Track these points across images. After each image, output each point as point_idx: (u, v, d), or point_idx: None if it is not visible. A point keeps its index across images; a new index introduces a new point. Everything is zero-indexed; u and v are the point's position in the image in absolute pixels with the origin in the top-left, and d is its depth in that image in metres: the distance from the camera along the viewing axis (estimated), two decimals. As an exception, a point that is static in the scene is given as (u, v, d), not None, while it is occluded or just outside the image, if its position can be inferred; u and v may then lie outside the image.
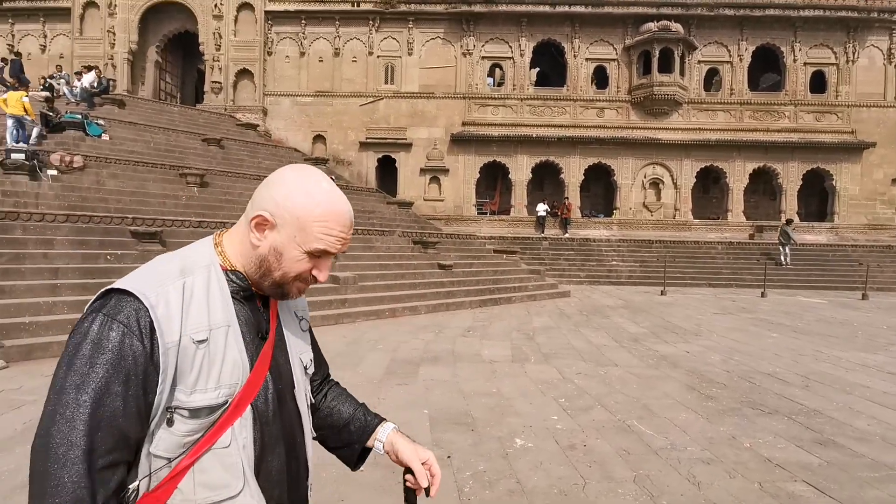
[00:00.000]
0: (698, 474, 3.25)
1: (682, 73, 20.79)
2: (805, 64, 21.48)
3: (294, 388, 0.98)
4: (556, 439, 3.80)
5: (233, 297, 0.89)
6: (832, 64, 21.50)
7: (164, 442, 0.80)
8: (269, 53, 21.40)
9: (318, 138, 21.73)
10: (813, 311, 11.34)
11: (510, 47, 21.50)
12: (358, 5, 21.21)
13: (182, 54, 23.72)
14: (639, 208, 21.64)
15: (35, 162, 9.44)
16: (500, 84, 22.65)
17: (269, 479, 0.90)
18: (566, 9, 20.87)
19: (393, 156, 21.62)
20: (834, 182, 21.30)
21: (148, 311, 0.77)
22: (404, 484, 1.03)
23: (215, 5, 20.87)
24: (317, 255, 0.89)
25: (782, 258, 18.06)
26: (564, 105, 21.65)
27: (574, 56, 21.50)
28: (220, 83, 20.91)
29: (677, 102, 21.07)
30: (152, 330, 0.77)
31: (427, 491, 1.02)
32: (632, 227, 21.10)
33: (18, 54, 17.16)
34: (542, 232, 20.28)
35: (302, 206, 0.87)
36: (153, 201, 10.12)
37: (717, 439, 3.84)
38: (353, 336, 7.47)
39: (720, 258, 18.95)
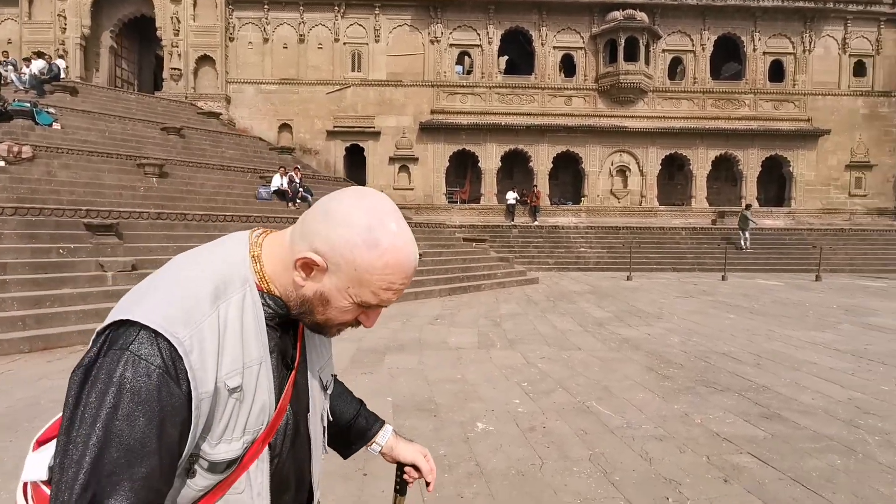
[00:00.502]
0: (651, 451, 3.36)
1: (647, 62, 21.11)
2: (764, 53, 22.09)
3: (309, 412, 0.87)
4: (517, 422, 3.87)
5: (267, 322, 0.76)
6: (790, 53, 22.16)
7: (175, 492, 0.71)
8: (231, 39, 20.78)
9: (284, 127, 21.29)
10: (769, 293, 11.78)
11: (478, 35, 21.42)
12: (322, -10, 20.76)
13: (139, 39, 22.80)
14: (606, 195, 22.01)
15: (-21, 152, 8.98)
16: (468, 72, 22.58)
17: None
18: (534, -4, 20.91)
19: (361, 144, 21.37)
20: (791, 168, 22.07)
21: (182, 359, 0.66)
22: (399, 477, 1.10)
23: (173, -12, 20.11)
24: (366, 306, 0.78)
25: (742, 242, 18.68)
26: (533, 93, 21.74)
27: (542, 44, 21.57)
28: (179, 70, 20.21)
29: (643, 91, 21.41)
30: (187, 378, 0.67)
31: (427, 484, 1.09)
32: (599, 214, 21.45)
33: (-40, 38, 16.21)
34: (512, 220, 20.43)
35: (363, 258, 0.72)
36: (109, 193, 9.76)
37: (671, 417, 3.97)
38: (320, 327, 7.39)
39: (684, 243, 19.47)
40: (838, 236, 20.09)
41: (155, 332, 0.65)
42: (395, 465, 1.12)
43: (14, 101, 12.15)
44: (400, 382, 4.85)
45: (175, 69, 20.25)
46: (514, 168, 22.66)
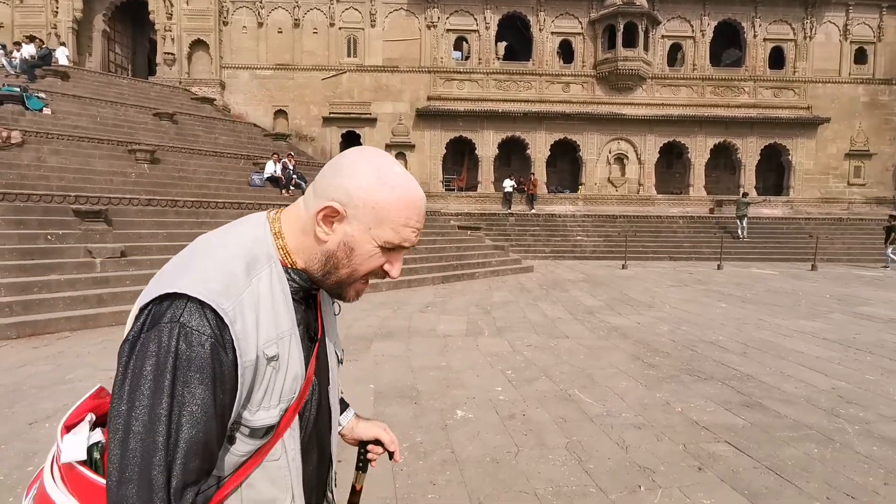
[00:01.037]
0: (628, 439, 3.36)
1: (646, 48, 20.88)
2: (765, 40, 21.84)
3: (329, 384, 0.93)
4: (496, 410, 3.86)
5: (292, 295, 0.81)
6: (790, 40, 21.91)
7: (220, 460, 0.75)
8: (225, 23, 20.51)
9: (280, 113, 21.11)
10: (763, 282, 11.76)
11: (475, 20, 21.15)
12: (318, -27, 20.46)
13: (132, 23, 22.51)
14: (604, 183, 21.91)
15: (-33, 137, 8.90)
16: (467, 58, 22.33)
17: (307, 486, 0.87)
18: (532, -20, 20.61)
19: (357, 131, 21.21)
20: (790, 157, 21.94)
21: (228, 328, 0.70)
22: (361, 456, 1.12)
23: (165, -29, 19.81)
24: (389, 249, 0.81)
25: (739, 231, 18.64)
26: (530, 80, 21.53)
27: (540, 30, 21.32)
28: (173, 55, 19.98)
29: (641, 78, 21.20)
30: (233, 348, 0.70)
31: (391, 455, 1.11)
32: (597, 203, 21.37)
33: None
34: (509, 208, 20.35)
35: (378, 195, 0.78)
36: (99, 179, 9.68)
37: (652, 405, 3.97)
38: (309, 314, 7.38)
39: (681, 232, 19.42)
40: (836, 226, 20.05)
41: (201, 302, 0.69)
42: (358, 445, 1.13)
43: (4, 85, 12.04)
44: (384, 370, 4.84)
45: (168, 54, 20.02)
46: (512, 155, 22.53)
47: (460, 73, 21.37)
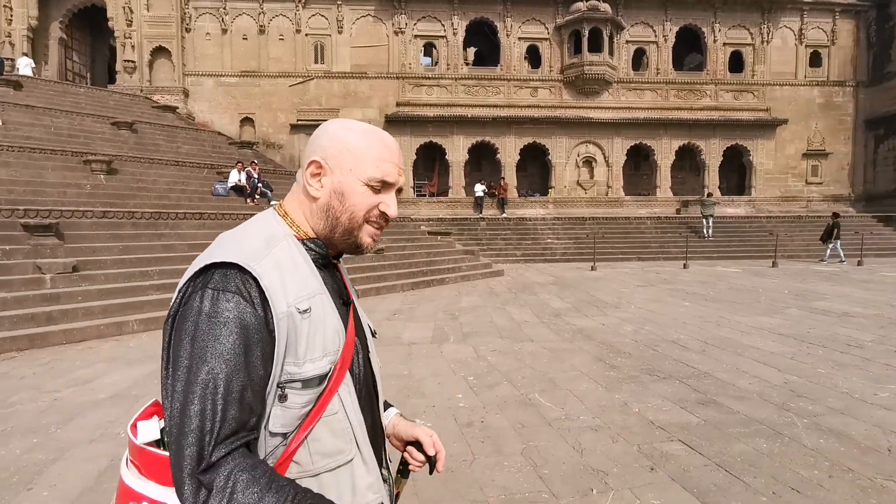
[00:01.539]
0: (584, 442, 3.35)
1: (611, 53, 21.28)
2: (724, 44, 22.50)
3: (369, 352, 0.98)
4: (455, 417, 3.82)
5: (315, 264, 0.87)
6: (749, 44, 22.63)
7: (279, 419, 0.79)
8: (188, 30, 20.12)
9: (247, 121, 20.78)
10: (726, 280, 12.04)
11: (443, 26, 21.24)
12: (282, -21, 20.27)
13: (90, 30, 21.91)
14: (573, 186, 22.18)
15: None
16: (436, 63, 22.39)
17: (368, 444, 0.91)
18: (497, -13, 20.81)
19: (327, 138, 20.96)
20: (751, 157, 22.61)
21: (257, 281, 0.76)
22: (402, 460, 1.08)
23: (124, -23, 19.33)
24: (378, 189, 0.88)
25: (705, 231, 19.09)
26: (499, 85, 21.71)
27: (507, 35, 21.53)
28: (133, 62, 19.48)
29: (607, 82, 21.59)
30: (264, 300, 0.76)
31: (432, 464, 1.04)
32: (567, 206, 21.62)
33: None
34: (480, 212, 20.42)
35: (348, 138, 0.87)
36: (52, 191, 9.33)
37: (610, 407, 3.98)
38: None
39: (649, 233, 19.78)
40: (796, 223, 20.70)
41: (228, 265, 0.76)
42: (402, 449, 1.10)
43: (-51, 95, 11.54)
44: (344, 380, 4.75)
45: (129, 61, 19.52)
46: (483, 160, 22.64)
47: (429, 78, 21.41)
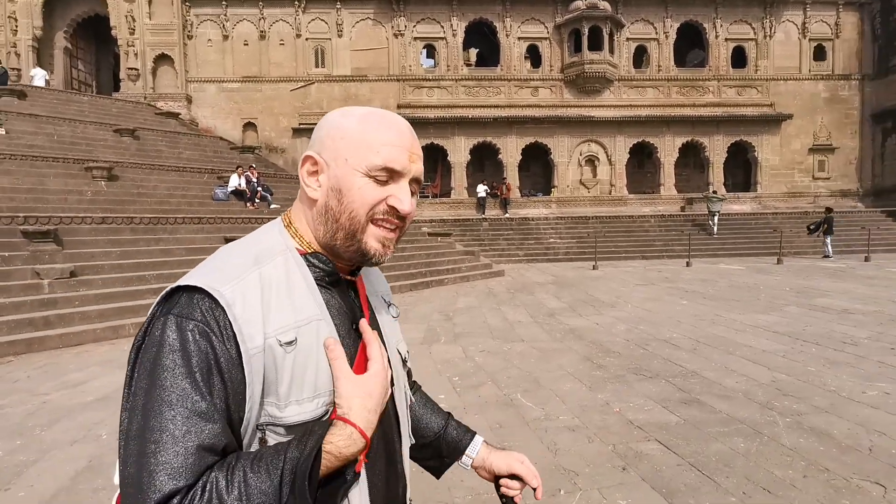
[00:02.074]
0: (559, 442, 3.34)
1: (611, 51, 21.19)
2: (726, 40, 22.33)
3: (393, 385, 0.82)
4: (435, 418, 3.81)
5: (318, 284, 0.74)
6: (751, 39, 22.42)
7: None
8: (190, 37, 20.32)
9: (249, 126, 20.95)
10: (728, 278, 11.93)
11: (442, 27, 21.27)
12: (282, -16, 20.42)
13: (95, 39, 22.20)
14: (576, 185, 22.09)
15: None
16: (437, 65, 22.42)
17: (377, 500, 0.77)
18: (496, -13, 20.82)
19: (328, 141, 21.07)
20: (756, 153, 22.40)
21: (224, 311, 0.65)
22: (501, 498, 0.97)
23: (126, -14, 19.58)
24: (383, 180, 0.73)
25: (713, 227, 19.06)
26: (499, 85, 21.70)
27: (506, 35, 21.51)
28: (136, 70, 19.72)
29: (608, 80, 21.49)
30: (233, 332, 0.64)
31: (534, 490, 0.96)
32: (570, 205, 21.54)
33: None
34: (483, 213, 20.41)
35: (343, 125, 0.74)
36: (53, 198, 9.48)
37: (591, 407, 3.96)
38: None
39: (653, 231, 19.65)
40: (803, 219, 20.41)
41: (195, 290, 0.65)
42: (493, 481, 0.99)
43: (-46, 106, 11.75)
44: (330, 382, 4.77)
45: (132, 69, 19.75)
46: (485, 161, 22.62)
47: (429, 80, 21.45)
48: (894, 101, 21.60)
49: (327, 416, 0.69)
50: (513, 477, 0.96)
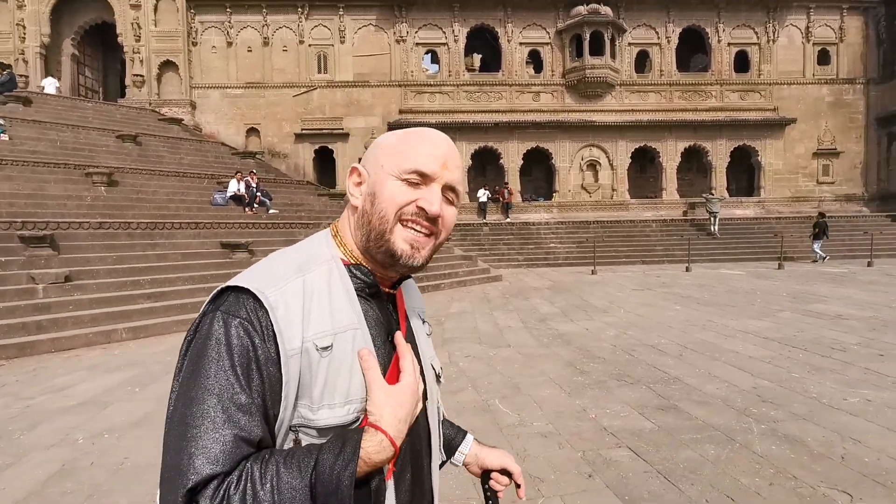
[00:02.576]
0: (530, 448, 3.34)
1: (613, 56, 21.17)
2: (729, 44, 22.24)
3: (427, 399, 0.85)
4: (410, 424, 3.82)
5: (358, 295, 0.78)
6: (754, 44, 22.33)
7: None
8: (195, 44, 20.55)
9: (252, 131, 21.11)
10: (726, 283, 11.85)
11: (444, 33, 21.36)
12: (285, -8, 20.60)
13: (102, 46, 22.50)
14: (577, 190, 22.05)
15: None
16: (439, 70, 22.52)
17: None
18: (497, -7, 20.90)
19: (330, 146, 21.24)
20: (759, 158, 22.25)
21: (268, 313, 0.69)
22: (486, 490, 1.03)
23: (132, -6, 19.86)
24: (415, 182, 0.77)
25: (713, 228, 19.05)
26: (501, 90, 21.73)
27: (508, 41, 21.57)
28: (142, 76, 19.96)
29: (610, 85, 21.47)
30: (274, 333, 0.69)
31: (517, 488, 1.02)
32: (571, 209, 21.49)
33: None
34: (484, 218, 20.41)
35: (387, 139, 0.81)
36: (52, 203, 9.58)
37: (567, 413, 3.95)
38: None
39: (654, 236, 19.56)
40: (806, 224, 20.20)
41: (242, 290, 0.70)
42: (481, 476, 1.05)
43: (-40, 112, 11.95)
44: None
45: (137, 76, 20.00)
46: (487, 165, 22.63)
47: (431, 85, 21.53)
48: (900, 105, 21.40)
49: (357, 423, 0.72)
50: (501, 472, 1.03)
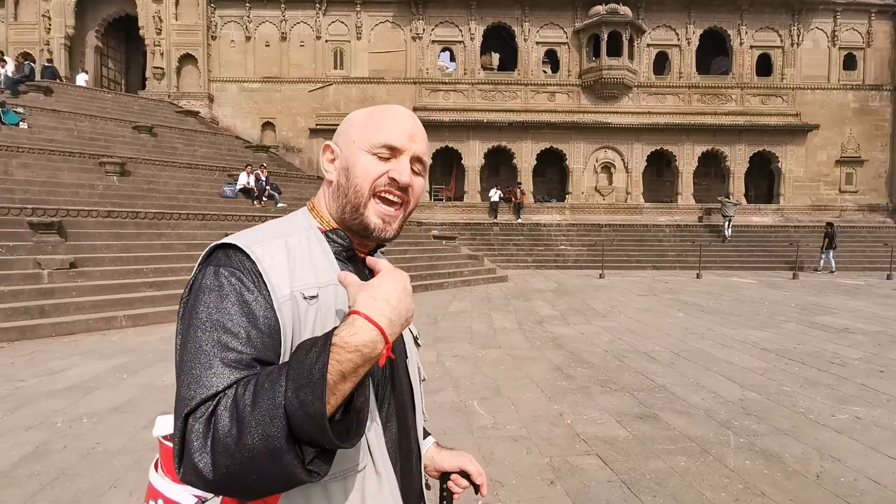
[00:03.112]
0: (497, 451, 3.30)
1: (630, 57, 20.87)
2: (751, 47, 21.75)
3: (406, 357, 0.91)
4: (384, 422, 3.81)
5: (337, 258, 0.83)
6: (777, 47, 21.80)
7: None
8: (214, 38, 20.82)
9: (268, 125, 21.32)
10: (735, 291, 11.60)
11: (460, 31, 21.29)
12: (304, -13, 20.75)
13: (125, 39, 22.95)
14: (591, 192, 21.80)
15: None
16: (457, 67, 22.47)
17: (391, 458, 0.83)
18: (515, -9, 20.76)
19: (344, 142, 21.29)
20: (779, 164, 21.73)
21: (255, 264, 0.73)
22: (444, 492, 1.04)
23: (155, -12, 20.19)
24: (386, 157, 0.82)
25: (726, 231, 18.76)
26: (516, 89, 21.59)
27: (525, 40, 21.41)
28: (162, 69, 20.30)
29: (627, 86, 21.17)
30: (264, 282, 0.73)
31: (476, 489, 1.03)
32: (584, 212, 21.26)
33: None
34: (495, 218, 20.30)
35: (357, 116, 0.86)
36: (65, 191, 9.80)
37: (543, 417, 3.90)
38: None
39: (667, 241, 19.25)
40: (826, 233, 19.73)
41: (230, 247, 0.75)
42: (439, 478, 1.05)
43: (-18, 101, 12.29)
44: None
45: (158, 68, 20.35)
46: (500, 165, 22.52)
47: (446, 83, 21.49)
48: (929, 113, 20.70)
49: None
50: (461, 474, 1.03)
